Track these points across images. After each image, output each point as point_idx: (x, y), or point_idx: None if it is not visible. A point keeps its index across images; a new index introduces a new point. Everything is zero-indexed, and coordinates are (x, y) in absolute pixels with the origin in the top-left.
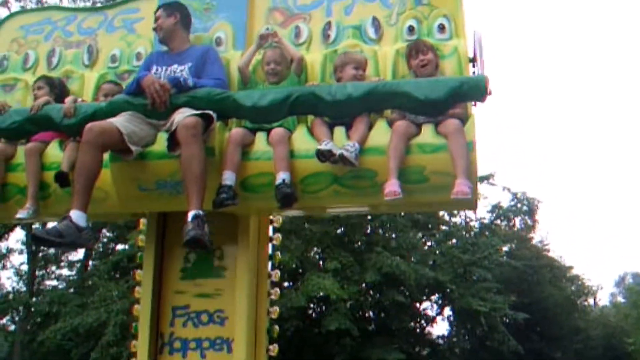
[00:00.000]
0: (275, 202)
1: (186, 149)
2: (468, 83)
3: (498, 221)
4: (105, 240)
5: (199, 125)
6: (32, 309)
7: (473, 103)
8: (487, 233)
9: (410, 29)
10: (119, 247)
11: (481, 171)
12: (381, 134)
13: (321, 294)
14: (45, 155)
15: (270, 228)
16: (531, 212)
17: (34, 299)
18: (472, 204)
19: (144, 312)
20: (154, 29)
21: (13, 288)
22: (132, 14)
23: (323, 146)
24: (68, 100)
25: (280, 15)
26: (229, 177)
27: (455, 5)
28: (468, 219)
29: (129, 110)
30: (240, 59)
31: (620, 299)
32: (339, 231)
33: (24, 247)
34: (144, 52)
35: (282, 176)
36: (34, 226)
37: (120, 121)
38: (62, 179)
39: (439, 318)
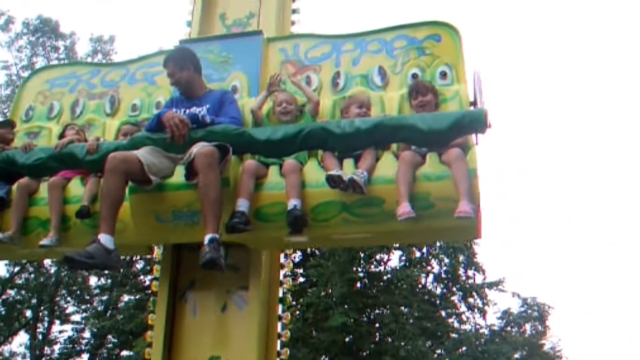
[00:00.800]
0: (287, 229)
1: (203, 177)
2: (469, 115)
3: (508, 328)
4: (110, 345)
5: (216, 155)
6: None
7: (475, 135)
8: (497, 340)
9: (414, 76)
10: (124, 353)
11: (491, 277)
12: (388, 165)
13: None
14: (67, 190)
15: (282, 273)
16: (542, 318)
17: None
18: (474, 230)
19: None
20: (173, 84)
21: None
22: (153, 68)
23: (333, 172)
24: (91, 139)
25: (292, 67)
26: (242, 204)
27: (457, 54)
28: (478, 326)
29: (149, 145)
30: (253, 103)
31: None
32: (347, 339)
33: (27, 351)
34: (163, 101)
35: (293, 202)
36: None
37: (140, 152)
38: (84, 213)
39: None
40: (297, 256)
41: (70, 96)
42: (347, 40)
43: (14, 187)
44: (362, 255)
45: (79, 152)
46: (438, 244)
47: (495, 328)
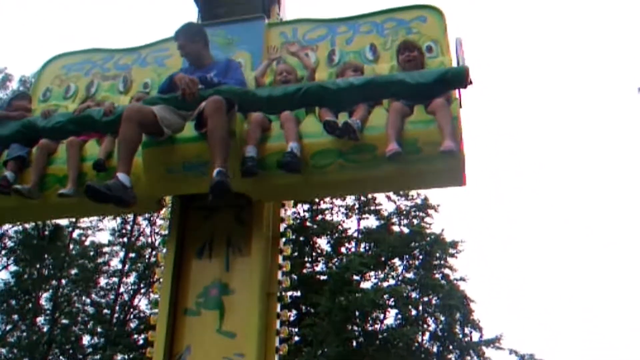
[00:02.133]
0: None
1: (212, 121)
2: (451, 71)
3: None
4: None
5: (223, 103)
6: None
7: (459, 96)
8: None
9: None
10: None
11: (487, 334)
12: (379, 116)
13: None
14: (84, 149)
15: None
16: None
17: None
18: (460, 175)
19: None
20: (183, 56)
21: None
22: (163, 52)
23: (330, 118)
24: (107, 102)
25: (291, 47)
26: (251, 150)
27: (441, 32)
28: None
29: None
30: (256, 71)
31: None
32: None
33: None
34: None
35: (291, 145)
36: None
37: (154, 107)
38: (100, 165)
39: None
40: (292, 315)
41: (86, 79)
42: (342, 23)
43: (34, 148)
44: (357, 313)
45: (96, 114)
46: (434, 302)
47: None
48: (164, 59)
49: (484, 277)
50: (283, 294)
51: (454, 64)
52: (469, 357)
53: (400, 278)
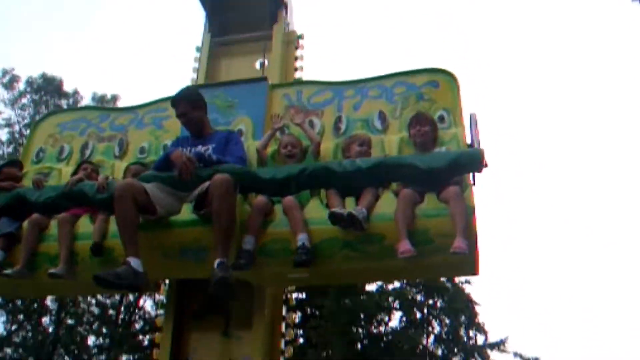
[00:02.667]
0: (290, 266)
1: (218, 203)
2: (466, 155)
3: None
4: None
5: (231, 182)
6: None
7: (472, 175)
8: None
9: None
10: None
11: (493, 337)
12: (388, 203)
13: None
14: (76, 226)
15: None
16: None
17: None
18: (473, 266)
19: None
20: (184, 124)
21: None
22: (161, 113)
23: (336, 210)
24: (100, 177)
25: (296, 112)
26: (249, 242)
27: (454, 99)
28: None
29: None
30: (259, 143)
31: None
32: None
33: None
34: (170, 144)
35: (301, 238)
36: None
37: (147, 185)
38: (97, 249)
39: None
40: (297, 317)
41: (80, 139)
42: (349, 86)
43: (25, 223)
44: (362, 316)
45: (89, 190)
46: (439, 304)
47: None
48: (162, 120)
49: (489, 280)
50: (289, 296)
51: (467, 140)
52: None
53: (405, 280)
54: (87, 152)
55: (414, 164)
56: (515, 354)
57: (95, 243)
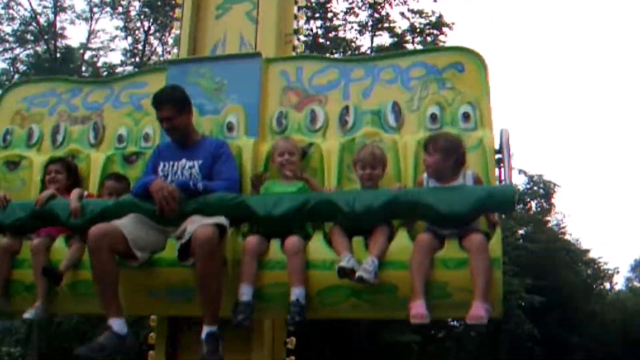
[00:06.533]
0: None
1: (202, 266)
2: (495, 195)
3: None
4: None
5: (215, 239)
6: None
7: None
8: (503, 217)
9: (433, 117)
10: None
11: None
12: (402, 247)
13: None
14: (52, 252)
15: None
16: (547, 195)
17: None
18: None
19: None
20: (167, 130)
21: None
22: (139, 89)
23: (344, 263)
24: (74, 196)
25: (295, 96)
26: (246, 292)
27: (481, 90)
28: None
29: (137, 212)
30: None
31: (636, 283)
32: None
33: None
34: (151, 133)
35: (296, 293)
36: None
37: (125, 224)
38: (50, 274)
39: None
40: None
41: (51, 119)
42: (357, 65)
43: None
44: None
45: (62, 212)
46: None
47: None
48: (141, 98)
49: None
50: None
51: (496, 145)
52: None
53: None
54: (59, 138)
55: (433, 206)
56: (520, 171)
57: (45, 268)
